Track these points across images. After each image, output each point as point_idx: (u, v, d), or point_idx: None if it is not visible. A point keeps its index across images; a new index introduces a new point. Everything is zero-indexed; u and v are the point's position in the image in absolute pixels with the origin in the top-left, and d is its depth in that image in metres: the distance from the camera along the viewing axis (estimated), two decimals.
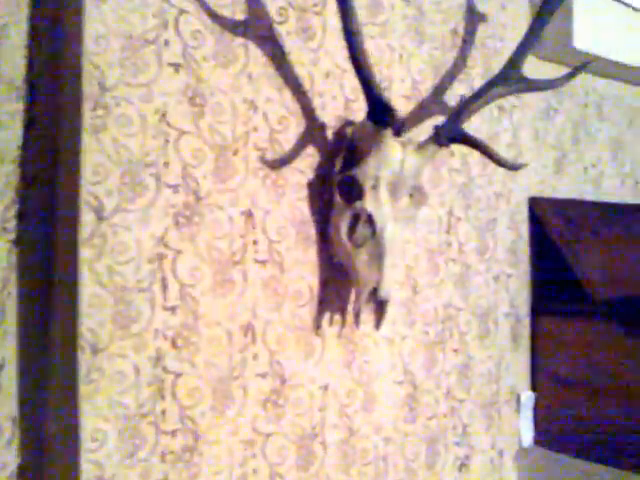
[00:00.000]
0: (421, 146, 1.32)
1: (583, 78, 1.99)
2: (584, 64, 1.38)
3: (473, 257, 1.72)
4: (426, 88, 1.62)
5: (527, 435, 1.78)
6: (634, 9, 1.91)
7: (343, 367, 1.42)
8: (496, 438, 1.74)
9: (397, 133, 1.28)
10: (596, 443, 1.68)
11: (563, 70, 1.96)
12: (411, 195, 1.35)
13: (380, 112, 1.23)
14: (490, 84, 1.41)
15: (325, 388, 1.39)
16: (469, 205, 1.72)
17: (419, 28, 1.57)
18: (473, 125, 1.72)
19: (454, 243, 1.68)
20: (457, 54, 1.63)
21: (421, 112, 1.57)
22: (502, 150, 1.79)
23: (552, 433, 1.78)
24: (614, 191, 2.07)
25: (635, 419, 1.59)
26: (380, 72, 1.50)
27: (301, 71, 1.34)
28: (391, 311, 1.52)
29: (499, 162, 1.31)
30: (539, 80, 1.43)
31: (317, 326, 1.36)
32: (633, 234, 2.03)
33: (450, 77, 1.63)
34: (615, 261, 1.87)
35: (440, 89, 1.61)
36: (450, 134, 1.34)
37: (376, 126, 1.25)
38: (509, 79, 1.42)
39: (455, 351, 1.66)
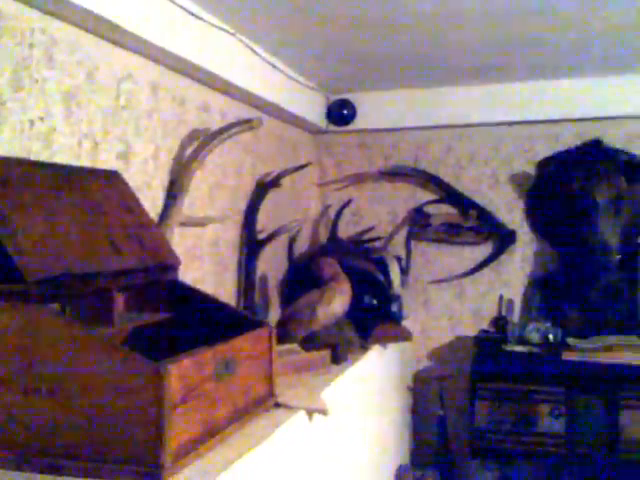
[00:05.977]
0: None
1: (29, 13, 1.65)
2: None
3: None
4: None
5: None
6: None
7: None
8: None
9: None
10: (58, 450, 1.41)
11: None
12: None
13: None
14: None
15: None
16: None
17: None
18: None
19: None
20: None
21: None
22: None
23: None
24: (69, 151, 1.81)
25: (66, 417, 1.37)
26: None
27: None
28: None
29: None
30: None
31: None
32: (90, 202, 1.81)
33: None
34: (65, 233, 1.62)
35: None
36: None
37: None
38: None
39: None
